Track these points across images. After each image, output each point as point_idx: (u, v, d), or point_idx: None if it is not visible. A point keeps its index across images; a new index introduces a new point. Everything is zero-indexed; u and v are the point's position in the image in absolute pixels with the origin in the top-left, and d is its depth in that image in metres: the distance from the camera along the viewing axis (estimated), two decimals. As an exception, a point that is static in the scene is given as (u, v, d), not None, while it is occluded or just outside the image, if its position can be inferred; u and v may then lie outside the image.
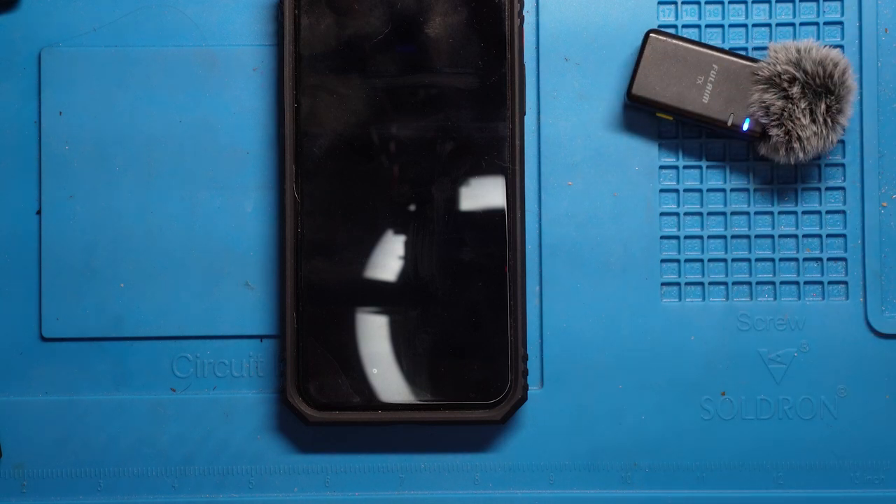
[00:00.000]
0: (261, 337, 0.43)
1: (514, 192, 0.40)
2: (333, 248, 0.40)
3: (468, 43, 0.40)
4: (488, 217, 0.41)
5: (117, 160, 0.43)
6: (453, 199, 0.40)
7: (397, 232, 0.41)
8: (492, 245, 0.40)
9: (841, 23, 0.43)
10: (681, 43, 0.42)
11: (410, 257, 0.40)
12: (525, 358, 0.41)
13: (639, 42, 0.42)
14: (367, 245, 0.41)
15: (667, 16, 0.43)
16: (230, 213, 0.43)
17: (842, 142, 0.43)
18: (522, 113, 0.41)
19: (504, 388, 0.40)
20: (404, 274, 0.40)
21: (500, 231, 0.40)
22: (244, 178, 0.43)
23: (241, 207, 0.43)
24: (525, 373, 0.41)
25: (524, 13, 0.41)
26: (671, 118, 0.42)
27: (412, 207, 0.40)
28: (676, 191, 0.43)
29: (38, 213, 0.43)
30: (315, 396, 0.40)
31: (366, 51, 0.40)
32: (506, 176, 0.40)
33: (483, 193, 0.41)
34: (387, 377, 0.41)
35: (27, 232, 0.43)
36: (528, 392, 0.41)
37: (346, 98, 0.40)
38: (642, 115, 0.43)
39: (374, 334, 0.41)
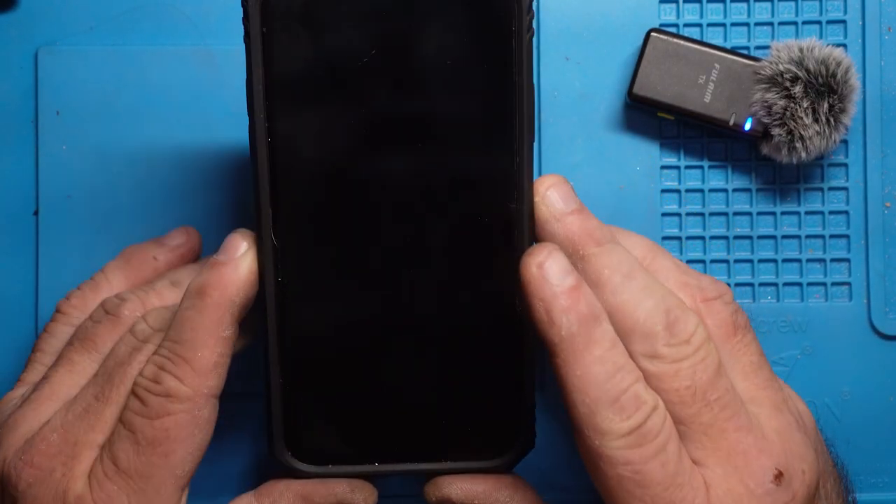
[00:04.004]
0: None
1: (523, 232, 0.35)
2: (318, 296, 0.35)
3: (468, 64, 0.34)
4: (494, 260, 0.35)
5: (115, 160, 0.43)
6: (454, 240, 0.35)
7: (390, 276, 0.35)
8: (496, 290, 0.35)
9: (844, 21, 0.43)
10: (682, 42, 0.41)
11: (405, 302, 0.35)
12: (532, 407, 0.37)
13: (640, 41, 0.42)
14: (356, 291, 0.35)
15: (668, 15, 0.43)
16: (229, 213, 0.43)
17: (845, 141, 0.43)
18: (531, 141, 0.34)
19: (511, 435, 0.36)
20: (398, 320, 0.35)
21: (506, 276, 0.35)
22: (244, 178, 0.43)
23: (241, 206, 0.43)
24: (532, 420, 0.37)
25: (533, 26, 0.35)
26: (672, 118, 0.42)
27: (406, 250, 0.35)
28: (678, 191, 0.43)
29: (36, 213, 0.43)
30: (306, 450, 0.36)
31: (349, 76, 0.34)
32: (514, 215, 0.35)
33: (488, 233, 0.35)
34: (383, 428, 0.36)
35: (24, 232, 0.43)
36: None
37: (329, 131, 0.34)
38: (643, 114, 0.43)
39: (372, 387, 0.36)
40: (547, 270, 0.33)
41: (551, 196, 0.35)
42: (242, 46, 0.42)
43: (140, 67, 0.43)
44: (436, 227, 0.35)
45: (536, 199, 0.34)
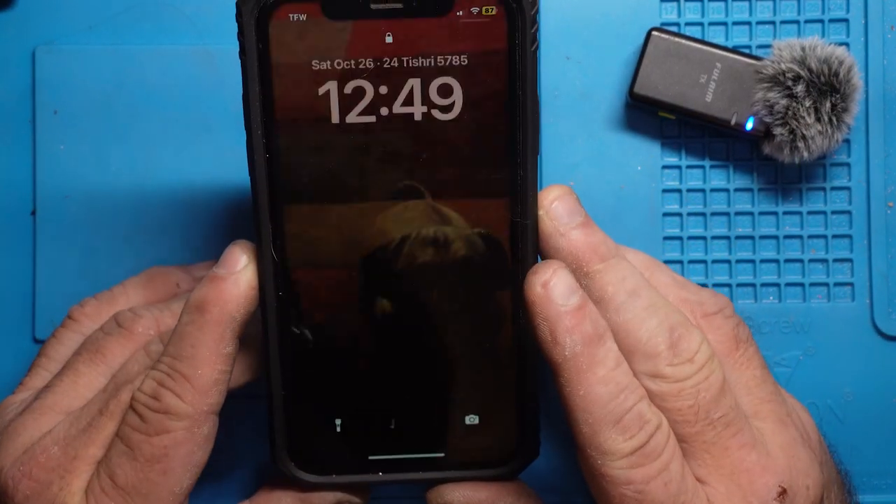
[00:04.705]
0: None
1: (528, 246, 0.34)
2: (322, 311, 0.35)
3: (471, 75, 0.33)
4: (498, 273, 0.35)
5: (113, 160, 0.43)
6: (456, 249, 0.35)
7: (391, 289, 0.35)
8: (500, 300, 0.35)
9: (846, 20, 0.42)
10: (683, 41, 0.41)
11: (407, 313, 0.35)
12: (537, 415, 0.36)
13: (641, 40, 0.41)
14: (358, 303, 0.35)
15: (669, 13, 0.43)
16: (229, 214, 0.43)
17: (847, 141, 0.43)
18: (535, 156, 0.34)
19: (514, 446, 0.36)
20: (407, 337, 0.35)
21: (510, 288, 0.35)
22: (243, 178, 0.43)
23: (241, 207, 0.43)
24: (537, 429, 0.36)
25: (538, 37, 0.35)
26: (674, 117, 0.42)
27: (408, 261, 0.35)
28: (679, 191, 0.43)
29: (33, 213, 0.43)
30: (310, 460, 0.36)
31: (347, 90, 0.33)
32: (519, 229, 0.34)
33: (492, 245, 0.35)
34: (386, 438, 0.36)
35: (22, 232, 0.43)
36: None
37: (328, 144, 0.33)
38: (644, 114, 0.43)
39: (375, 399, 0.36)
40: (552, 290, 0.32)
41: (556, 209, 0.34)
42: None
43: (139, 67, 0.43)
44: (438, 238, 0.35)
45: (541, 212, 0.34)
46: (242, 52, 0.33)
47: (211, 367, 0.33)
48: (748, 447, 0.33)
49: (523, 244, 0.34)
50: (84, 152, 0.43)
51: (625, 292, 0.33)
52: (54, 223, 0.43)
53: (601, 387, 0.32)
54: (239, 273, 0.33)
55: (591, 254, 0.34)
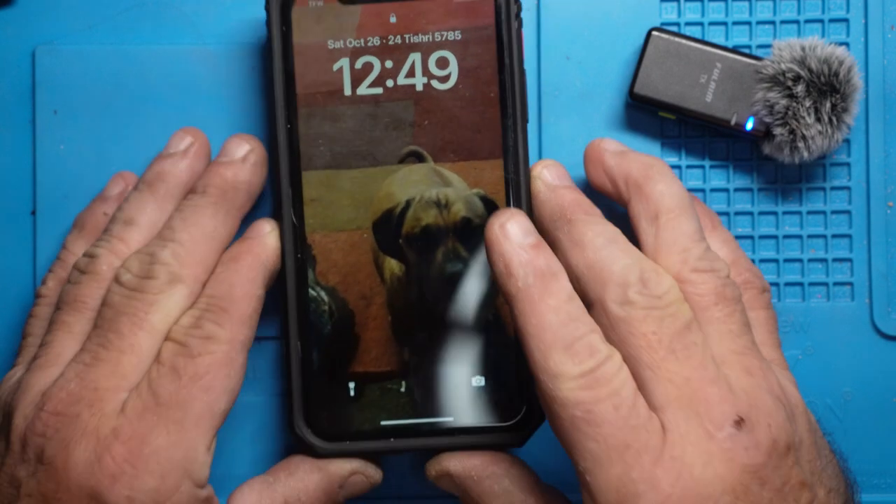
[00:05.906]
0: (259, 338, 0.42)
1: (521, 203, 0.38)
2: (337, 273, 0.38)
3: (464, 49, 0.38)
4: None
5: (113, 160, 0.43)
6: (456, 211, 0.38)
7: (404, 253, 0.39)
8: None
9: (846, 20, 0.42)
10: (683, 41, 0.41)
11: (420, 279, 0.39)
12: None
13: (641, 40, 0.42)
14: (372, 268, 0.39)
15: (669, 13, 0.43)
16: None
17: (847, 141, 0.43)
18: (525, 120, 0.39)
19: (521, 409, 0.39)
20: (414, 297, 0.39)
21: None
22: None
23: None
24: None
25: (521, 16, 0.39)
26: (674, 117, 0.42)
27: (414, 223, 0.39)
28: (679, 191, 0.43)
29: (33, 213, 0.43)
30: (324, 427, 0.38)
31: (357, 65, 0.38)
32: (511, 186, 0.38)
33: (489, 208, 0.39)
34: (399, 403, 0.39)
35: (22, 232, 0.43)
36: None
37: (342, 114, 0.38)
38: (645, 114, 0.43)
39: (385, 361, 0.39)
40: (508, 230, 0.35)
41: (546, 173, 0.38)
42: (241, 46, 0.43)
43: (139, 67, 0.43)
44: (440, 200, 0.38)
45: (533, 173, 0.38)
46: (269, 37, 0.38)
47: (246, 303, 0.36)
48: (709, 381, 0.33)
49: (516, 202, 0.38)
50: (84, 152, 0.43)
51: (603, 238, 0.35)
52: (54, 223, 0.43)
53: (552, 315, 0.33)
54: (266, 235, 0.38)
55: (576, 206, 0.37)
